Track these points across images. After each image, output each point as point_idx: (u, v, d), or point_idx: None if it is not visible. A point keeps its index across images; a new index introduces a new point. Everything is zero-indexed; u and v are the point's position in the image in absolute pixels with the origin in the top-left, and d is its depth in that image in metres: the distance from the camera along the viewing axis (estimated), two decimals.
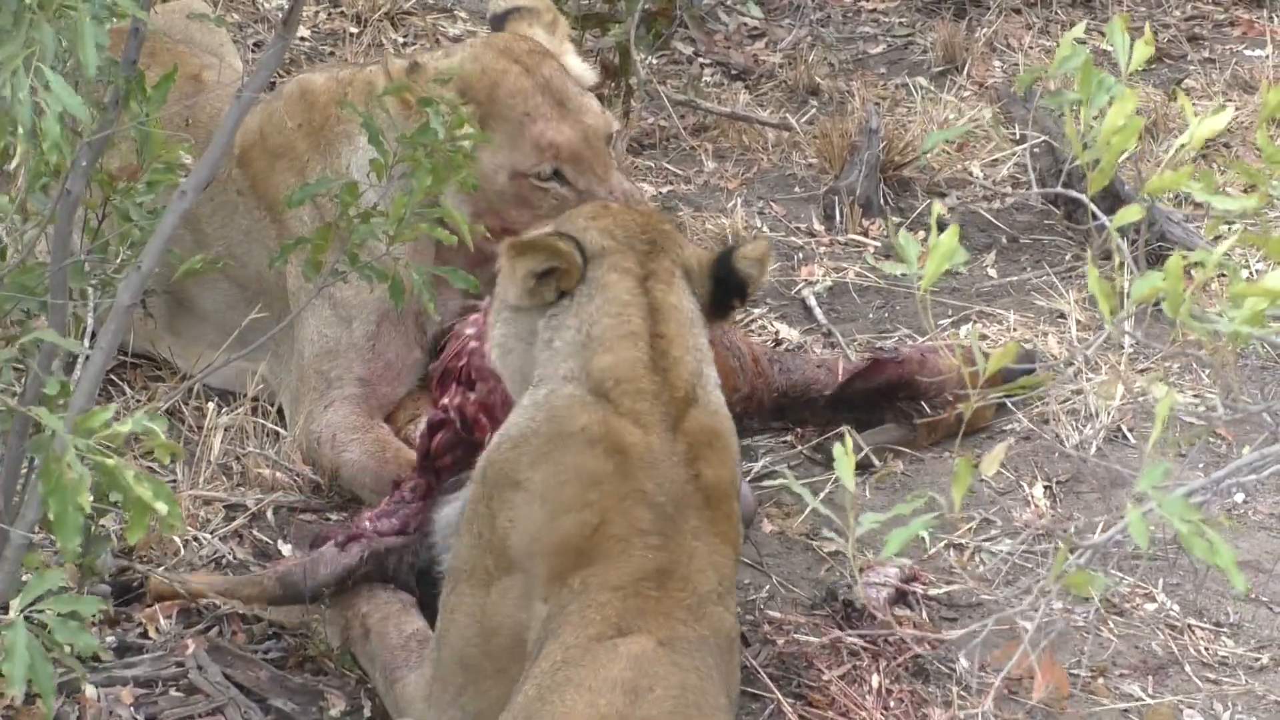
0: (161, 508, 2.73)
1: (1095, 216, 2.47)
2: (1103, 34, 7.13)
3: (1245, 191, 2.45)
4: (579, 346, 3.43)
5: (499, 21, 4.72)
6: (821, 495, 4.59)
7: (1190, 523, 2.15)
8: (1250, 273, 5.26)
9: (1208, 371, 4.93)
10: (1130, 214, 2.32)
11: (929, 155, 6.04)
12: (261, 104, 4.64)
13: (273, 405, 4.65)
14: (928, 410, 4.73)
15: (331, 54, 6.60)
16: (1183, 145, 2.39)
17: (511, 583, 3.40)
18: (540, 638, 3.32)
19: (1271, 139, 2.43)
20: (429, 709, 3.56)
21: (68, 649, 2.93)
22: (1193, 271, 2.51)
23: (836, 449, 2.63)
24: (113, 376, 4.75)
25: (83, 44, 2.83)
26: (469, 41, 4.63)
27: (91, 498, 2.75)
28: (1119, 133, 2.27)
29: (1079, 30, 2.66)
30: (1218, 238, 4.50)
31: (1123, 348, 5.04)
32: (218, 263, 4.45)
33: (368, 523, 4.02)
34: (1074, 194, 2.25)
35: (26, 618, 2.89)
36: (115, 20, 2.93)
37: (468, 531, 3.52)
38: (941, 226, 2.61)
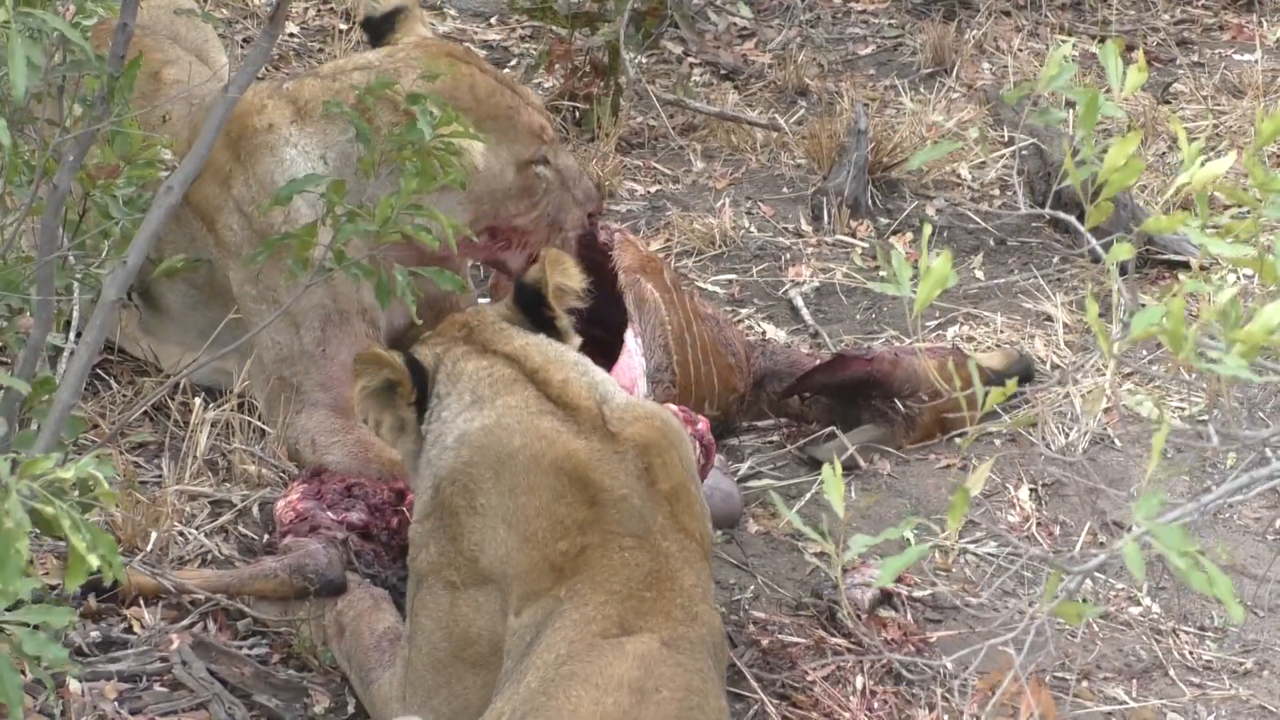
0: (93, 561, 2.60)
1: (1090, 245, 2.47)
2: (1092, 37, 7.14)
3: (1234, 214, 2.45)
4: (469, 404, 3.52)
5: (383, 23, 4.61)
6: (807, 496, 4.59)
7: (1187, 554, 2.16)
8: (1243, 278, 5.26)
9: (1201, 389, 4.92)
10: (1122, 251, 2.32)
11: (917, 165, 6.05)
12: (189, 116, 4.61)
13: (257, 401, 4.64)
14: (901, 408, 4.73)
15: (320, 51, 6.59)
16: (1182, 185, 2.38)
17: (485, 596, 3.46)
18: (523, 643, 3.35)
19: (1263, 163, 2.43)
20: (403, 709, 3.60)
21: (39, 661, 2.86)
22: (1189, 282, 2.51)
23: (825, 470, 2.62)
24: (99, 371, 4.74)
25: (13, 62, 2.76)
26: (389, 52, 4.48)
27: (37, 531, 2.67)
28: (1119, 171, 2.27)
29: (1066, 49, 2.65)
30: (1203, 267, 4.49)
31: (1105, 372, 5.04)
32: (196, 262, 4.44)
33: (329, 514, 4.04)
34: (1066, 217, 2.24)
35: None
36: (101, 14, 2.91)
37: (425, 547, 3.56)
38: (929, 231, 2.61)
